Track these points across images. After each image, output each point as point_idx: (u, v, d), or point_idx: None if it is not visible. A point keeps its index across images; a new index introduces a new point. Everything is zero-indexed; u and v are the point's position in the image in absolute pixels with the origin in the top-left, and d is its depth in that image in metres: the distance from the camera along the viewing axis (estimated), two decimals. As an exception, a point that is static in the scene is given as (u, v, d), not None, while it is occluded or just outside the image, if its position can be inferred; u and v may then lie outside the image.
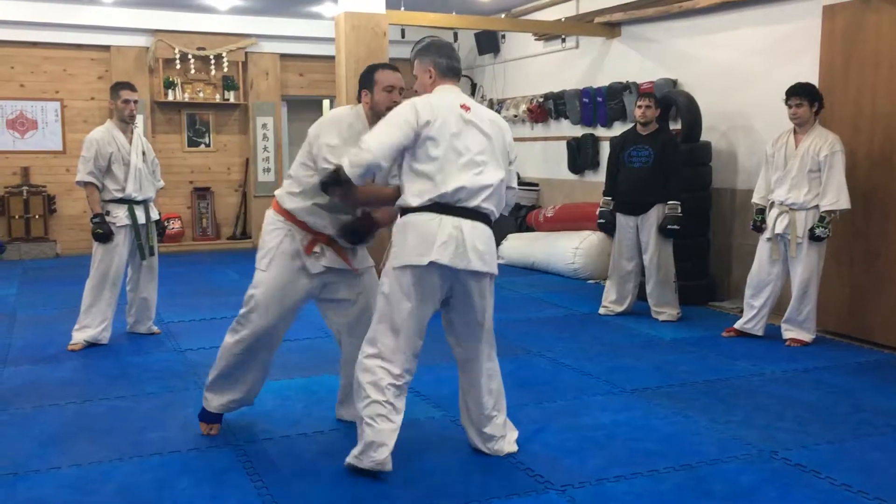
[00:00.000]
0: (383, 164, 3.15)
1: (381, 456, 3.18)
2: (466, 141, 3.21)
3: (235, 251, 10.47)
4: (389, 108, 3.31)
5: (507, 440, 3.52)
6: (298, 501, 3.08)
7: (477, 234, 3.19)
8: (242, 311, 3.64)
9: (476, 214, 3.21)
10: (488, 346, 3.47)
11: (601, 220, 6.41)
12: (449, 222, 3.15)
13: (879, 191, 5.37)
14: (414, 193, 3.19)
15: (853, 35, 5.51)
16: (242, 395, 3.77)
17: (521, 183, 9.56)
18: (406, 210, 3.23)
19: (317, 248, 3.53)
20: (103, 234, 5.27)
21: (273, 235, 3.57)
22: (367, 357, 3.27)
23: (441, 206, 3.17)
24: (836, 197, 5.13)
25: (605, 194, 6.37)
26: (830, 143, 5.18)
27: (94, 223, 5.28)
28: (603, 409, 4.11)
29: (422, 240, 3.15)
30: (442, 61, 3.35)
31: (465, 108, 3.27)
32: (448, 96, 3.29)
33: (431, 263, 3.14)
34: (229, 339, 3.67)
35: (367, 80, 3.56)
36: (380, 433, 3.18)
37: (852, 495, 3.12)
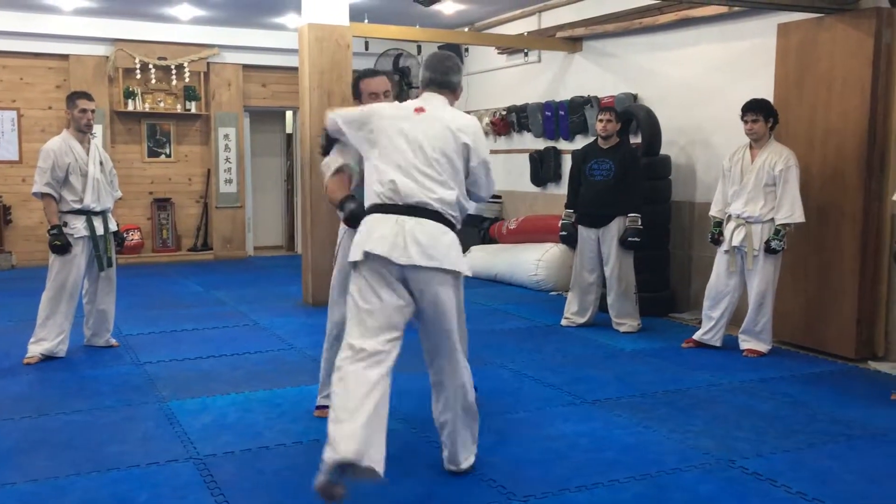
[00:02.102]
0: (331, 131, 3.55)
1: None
2: (407, 143, 3.29)
3: (196, 263, 10.36)
4: None
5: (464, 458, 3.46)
6: (260, 515, 3.06)
7: (420, 229, 3.15)
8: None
9: (422, 212, 3.18)
10: (453, 363, 3.33)
11: (563, 233, 6.48)
12: (392, 218, 3.17)
13: (833, 205, 5.50)
14: (367, 195, 3.32)
15: (807, 52, 5.65)
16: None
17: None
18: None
19: None
20: (61, 245, 5.19)
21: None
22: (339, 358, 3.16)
23: (387, 206, 3.20)
24: (791, 210, 5.25)
25: (566, 207, 6.44)
26: (785, 157, 5.30)
27: (51, 234, 5.20)
28: (565, 420, 4.15)
29: (362, 236, 3.19)
30: (426, 74, 3.48)
31: (419, 110, 3.36)
32: (414, 102, 3.42)
33: (369, 255, 3.12)
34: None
35: (355, 89, 3.96)
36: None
37: (807, 503, 3.18)
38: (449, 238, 3.23)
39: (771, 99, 5.65)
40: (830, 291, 5.53)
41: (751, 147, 5.48)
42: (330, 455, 2.88)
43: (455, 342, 3.31)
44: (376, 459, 2.93)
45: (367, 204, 3.29)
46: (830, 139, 5.51)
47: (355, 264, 3.19)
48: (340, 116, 3.46)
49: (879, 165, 5.36)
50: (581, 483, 3.35)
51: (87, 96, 5.36)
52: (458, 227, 3.33)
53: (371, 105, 3.56)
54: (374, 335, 3.12)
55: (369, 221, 3.23)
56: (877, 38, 5.24)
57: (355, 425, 2.92)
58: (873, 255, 5.41)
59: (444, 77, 3.48)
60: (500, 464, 3.56)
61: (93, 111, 5.36)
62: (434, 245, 3.15)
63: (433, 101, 3.41)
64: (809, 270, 5.65)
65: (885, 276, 5.44)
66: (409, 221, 3.15)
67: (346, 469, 2.89)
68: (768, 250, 5.31)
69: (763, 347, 5.51)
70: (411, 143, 3.25)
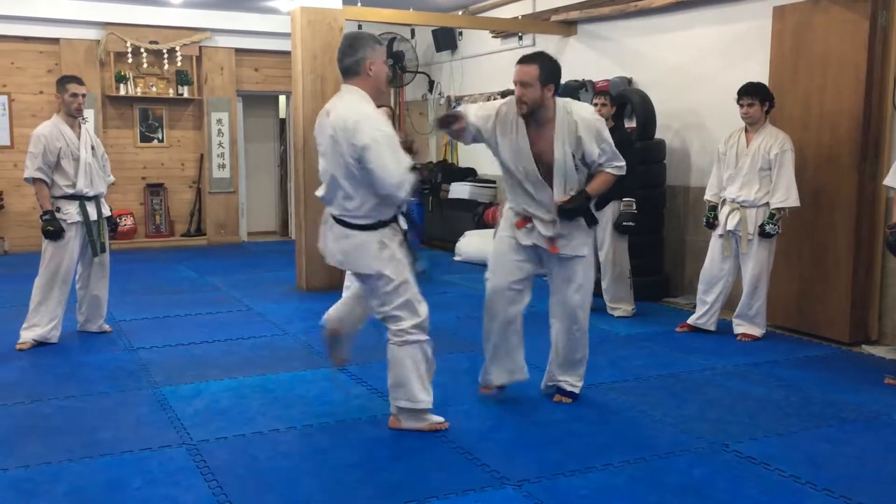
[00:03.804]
0: None
1: None
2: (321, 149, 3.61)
3: (189, 248, 10.33)
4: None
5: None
6: (254, 502, 3.05)
7: (332, 234, 3.63)
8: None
9: (334, 218, 3.62)
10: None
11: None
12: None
13: (828, 189, 5.49)
14: None
15: (802, 35, 5.62)
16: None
17: (478, 180, 9.62)
18: None
19: (528, 225, 3.96)
20: (54, 231, 5.16)
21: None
22: None
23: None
24: (786, 195, 5.24)
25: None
26: (780, 141, 5.28)
27: (43, 220, 5.17)
28: (558, 405, 4.14)
29: None
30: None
31: (327, 115, 3.54)
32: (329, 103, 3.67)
33: None
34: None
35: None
36: None
37: (801, 486, 3.19)
38: (350, 241, 3.60)
39: (766, 82, 5.62)
40: (824, 276, 5.53)
41: (746, 131, 5.46)
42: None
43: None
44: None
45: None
46: (825, 122, 5.50)
47: None
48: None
49: (874, 149, 5.35)
50: (575, 467, 3.35)
51: (77, 80, 5.31)
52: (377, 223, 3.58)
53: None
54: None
55: None
56: (872, 21, 5.22)
57: None
58: (867, 240, 5.41)
59: (341, 64, 3.59)
60: (494, 448, 3.56)
61: (83, 95, 5.31)
62: (341, 250, 3.64)
63: (340, 99, 3.59)
64: (803, 255, 5.65)
65: (878, 260, 5.45)
66: (329, 228, 3.74)
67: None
68: (763, 234, 5.30)
69: (757, 331, 5.52)
70: (323, 156, 3.60)
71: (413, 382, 3.63)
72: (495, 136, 3.90)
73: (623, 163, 3.93)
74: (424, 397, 3.68)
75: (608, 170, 3.90)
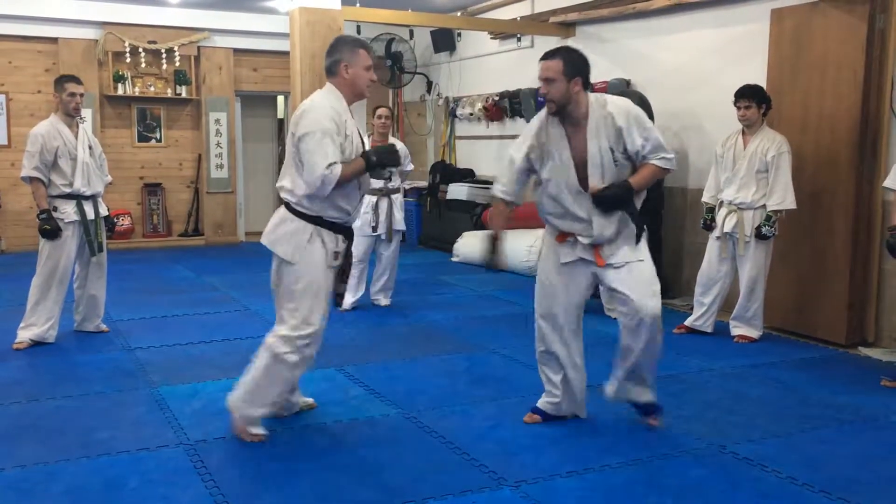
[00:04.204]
0: None
1: None
2: None
3: (187, 248, 10.32)
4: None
5: None
6: (251, 503, 3.05)
7: (276, 214, 3.68)
8: None
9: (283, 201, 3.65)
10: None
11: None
12: None
13: (825, 191, 5.50)
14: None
15: (801, 38, 5.63)
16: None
17: (476, 181, 9.62)
18: None
19: (569, 239, 3.70)
20: (51, 230, 5.16)
21: None
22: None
23: None
24: (783, 197, 5.25)
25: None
26: (778, 143, 5.29)
27: (41, 219, 5.16)
28: (556, 406, 4.14)
29: None
30: None
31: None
32: None
33: None
34: None
35: None
36: None
37: (798, 488, 3.20)
38: (282, 223, 3.61)
39: (764, 85, 5.63)
40: (821, 277, 5.54)
41: (743, 133, 5.47)
42: None
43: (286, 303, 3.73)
44: None
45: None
46: (823, 125, 5.51)
47: None
48: None
49: (872, 151, 5.36)
50: (572, 468, 3.35)
51: (75, 80, 5.30)
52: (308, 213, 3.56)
53: None
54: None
55: None
56: (870, 24, 5.23)
57: None
58: (864, 242, 5.42)
59: (324, 63, 3.65)
60: (491, 449, 3.56)
61: (81, 95, 5.31)
62: (272, 229, 3.63)
63: (314, 94, 3.64)
64: (801, 256, 5.66)
65: (875, 262, 5.46)
66: None
67: None
68: (759, 236, 5.31)
69: (754, 333, 5.52)
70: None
71: (247, 385, 3.64)
72: (543, 165, 3.65)
73: (672, 155, 3.61)
74: (242, 406, 3.64)
75: (654, 161, 3.55)
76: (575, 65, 3.52)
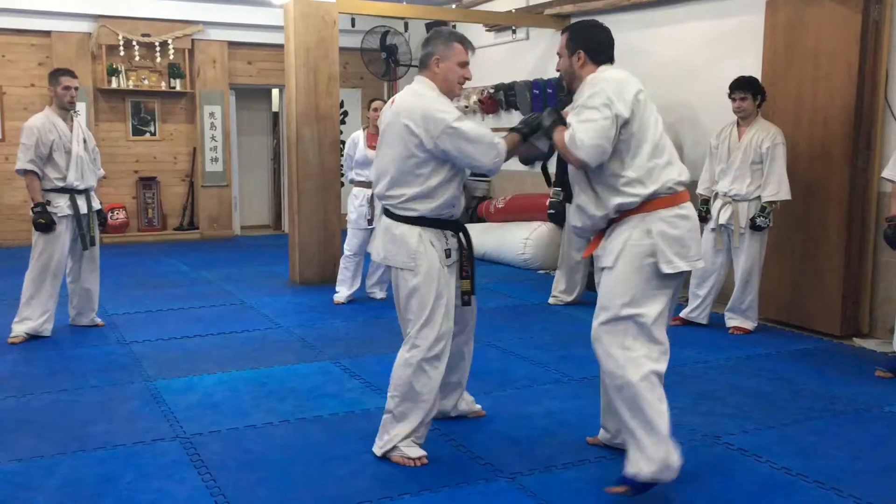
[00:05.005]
0: None
1: None
2: None
3: (182, 242, 10.30)
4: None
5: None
6: (248, 496, 3.05)
7: (380, 227, 3.43)
8: None
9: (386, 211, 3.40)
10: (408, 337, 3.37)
11: (551, 211, 6.46)
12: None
13: (819, 183, 5.51)
14: None
15: (795, 30, 5.63)
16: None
17: (473, 173, 9.59)
18: None
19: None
20: (45, 223, 5.14)
21: None
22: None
23: None
24: (777, 188, 5.26)
25: (554, 185, 6.42)
26: (772, 135, 5.30)
27: (35, 212, 5.15)
28: (552, 398, 4.16)
29: None
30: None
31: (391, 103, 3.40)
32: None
33: None
34: None
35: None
36: None
37: (792, 478, 3.21)
38: (392, 233, 3.34)
39: (759, 76, 5.63)
40: (816, 269, 5.55)
41: (738, 125, 5.47)
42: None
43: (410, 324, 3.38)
44: None
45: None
46: (817, 117, 5.51)
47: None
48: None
49: (866, 143, 5.37)
50: (568, 460, 3.36)
51: (70, 73, 5.29)
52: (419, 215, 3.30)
53: None
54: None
55: None
56: (864, 15, 5.23)
57: None
58: (859, 233, 5.43)
59: (419, 53, 3.45)
60: (487, 441, 3.56)
61: (76, 88, 5.29)
62: (382, 244, 3.42)
63: (407, 88, 3.41)
64: (795, 248, 5.67)
65: (870, 253, 5.47)
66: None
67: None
68: (754, 227, 5.32)
69: (749, 325, 5.54)
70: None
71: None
72: None
73: (577, 142, 2.93)
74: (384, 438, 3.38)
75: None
76: (578, 38, 3.18)
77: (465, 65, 3.36)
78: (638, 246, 2.99)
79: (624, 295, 3.00)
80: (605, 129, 2.94)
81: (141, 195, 10.41)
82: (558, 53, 3.27)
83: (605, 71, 3.12)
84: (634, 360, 2.94)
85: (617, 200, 3.02)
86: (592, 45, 3.17)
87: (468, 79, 3.39)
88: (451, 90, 3.36)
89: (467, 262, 3.41)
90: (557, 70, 3.31)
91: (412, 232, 3.28)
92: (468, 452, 3.43)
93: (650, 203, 2.99)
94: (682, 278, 3.14)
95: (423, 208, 3.27)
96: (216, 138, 10.66)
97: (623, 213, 3.04)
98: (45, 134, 5.14)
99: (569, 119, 3.06)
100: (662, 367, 2.99)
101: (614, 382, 2.98)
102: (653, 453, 2.88)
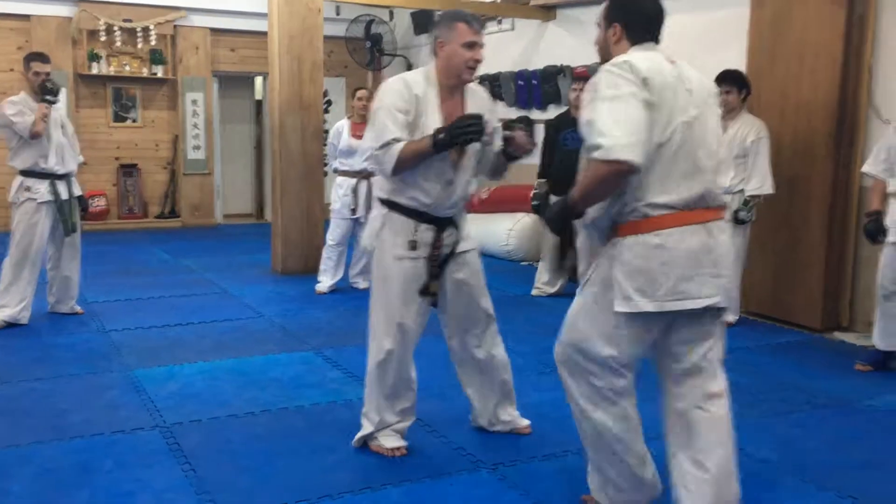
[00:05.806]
0: None
1: None
2: None
3: (164, 230, 10.22)
4: None
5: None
6: (228, 485, 3.03)
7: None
8: None
9: None
10: None
11: (535, 202, 6.45)
12: None
13: (802, 177, 5.53)
14: None
15: (780, 24, 5.64)
16: None
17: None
18: None
19: None
20: (52, 88, 5.10)
21: None
22: None
23: None
24: (761, 182, 5.27)
25: (539, 176, 6.41)
26: (757, 129, 5.31)
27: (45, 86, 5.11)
28: (535, 389, 4.15)
29: None
30: None
31: None
32: None
33: None
34: None
35: None
36: None
37: (772, 471, 3.22)
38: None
39: (744, 70, 5.64)
40: (797, 263, 5.58)
41: (723, 118, 5.46)
42: None
43: None
44: None
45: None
46: (801, 112, 5.53)
47: None
48: None
49: (849, 139, 5.39)
50: (550, 451, 3.36)
51: (41, 58, 5.22)
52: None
53: None
54: None
55: None
56: (849, 10, 5.25)
57: None
58: (840, 227, 5.46)
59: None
60: (469, 432, 3.56)
61: (48, 73, 5.21)
62: None
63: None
64: (777, 242, 5.70)
65: (851, 247, 5.50)
66: None
67: None
68: (737, 221, 5.32)
69: (731, 318, 5.54)
70: None
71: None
72: None
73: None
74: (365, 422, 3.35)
75: None
76: (618, 8, 2.72)
77: (472, 45, 3.06)
78: (601, 273, 2.64)
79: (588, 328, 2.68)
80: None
81: (122, 182, 10.31)
82: (597, 23, 2.80)
83: (634, 52, 2.64)
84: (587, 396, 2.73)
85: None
86: (633, 17, 2.70)
87: (478, 60, 3.08)
88: (457, 75, 3.11)
89: (435, 262, 3.28)
90: (596, 44, 2.82)
91: (378, 214, 3.27)
92: (450, 443, 3.43)
93: (621, 227, 2.61)
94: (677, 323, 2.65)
95: (393, 193, 3.21)
96: (198, 126, 10.56)
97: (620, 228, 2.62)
98: (25, 111, 5.09)
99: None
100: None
101: (576, 415, 2.78)
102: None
